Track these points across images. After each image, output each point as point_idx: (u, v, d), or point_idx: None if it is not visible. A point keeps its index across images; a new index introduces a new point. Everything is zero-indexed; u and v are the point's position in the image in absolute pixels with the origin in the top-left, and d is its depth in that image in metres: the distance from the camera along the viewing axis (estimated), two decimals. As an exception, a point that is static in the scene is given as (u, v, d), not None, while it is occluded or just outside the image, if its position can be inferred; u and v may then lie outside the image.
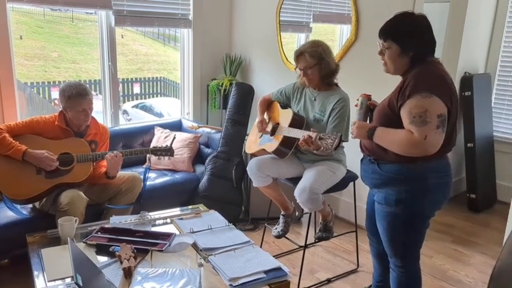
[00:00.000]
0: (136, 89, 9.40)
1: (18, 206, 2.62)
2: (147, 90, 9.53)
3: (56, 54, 11.01)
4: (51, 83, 8.42)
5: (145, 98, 9.07)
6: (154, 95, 9.53)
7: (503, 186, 4.03)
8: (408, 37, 1.78)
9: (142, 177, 2.88)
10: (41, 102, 7.09)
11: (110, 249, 2.06)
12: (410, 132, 1.72)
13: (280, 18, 3.78)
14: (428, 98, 1.70)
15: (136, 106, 8.08)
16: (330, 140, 2.07)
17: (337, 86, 2.54)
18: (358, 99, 2.06)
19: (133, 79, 9.57)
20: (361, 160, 2.08)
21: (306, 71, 2.47)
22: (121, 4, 3.49)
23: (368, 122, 2.05)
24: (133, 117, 7.78)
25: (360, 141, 2.02)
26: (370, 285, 2.48)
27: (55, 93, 8.30)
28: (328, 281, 2.71)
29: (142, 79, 9.67)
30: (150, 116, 7.43)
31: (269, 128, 2.65)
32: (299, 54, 2.48)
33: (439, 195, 1.88)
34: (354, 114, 2.11)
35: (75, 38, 11.90)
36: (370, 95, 2.05)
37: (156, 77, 9.99)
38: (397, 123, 1.78)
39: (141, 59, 11.85)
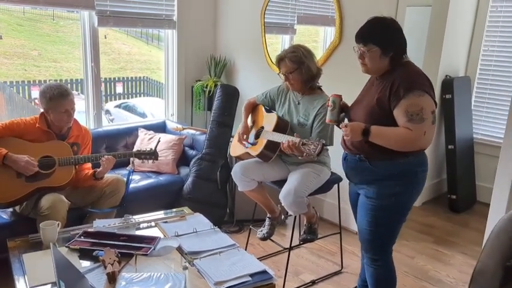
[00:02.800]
0: (119, 88, 9.29)
1: (-2, 210, 2.57)
2: (130, 89, 9.43)
3: (36, 52, 10.80)
4: (32, 82, 8.26)
5: (128, 98, 8.97)
6: (138, 95, 9.43)
7: (482, 187, 4.11)
8: (387, 39, 1.90)
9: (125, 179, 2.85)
10: (21, 101, 6.95)
11: (94, 253, 2.04)
12: (408, 129, 1.82)
13: (265, 20, 3.79)
14: (422, 96, 1.83)
15: (119, 106, 7.99)
16: (312, 146, 2.10)
17: (321, 89, 2.56)
18: (329, 99, 2.11)
19: (116, 78, 9.46)
20: (344, 158, 2.12)
21: (287, 75, 2.49)
22: (104, 4, 3.44)
23: (339, 120, 2.12)
24: (116, 117, 7.69)
25: (343, 139, 2.08)
26: (355, 287, 2.51)
27: (35, 93, 8.14)
28: (313, 282, 2.73)
29: (125, 78, 9.56)
30: (133, 116, 7.35)
31: (250, 139, 2.68)
32: (280, 60, 2.50)
33: (422, 186, 2.04)
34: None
35: (56, 36, 11.70)
36: (341, 95, 2.12)
37: (139, 77, 9.89)
38: (386, 121, 1.88)
39: (123, 58, 11.72)
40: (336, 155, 2.66)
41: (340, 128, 2.01)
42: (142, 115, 7.26)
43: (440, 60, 3.75)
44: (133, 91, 9.47)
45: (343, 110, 2.13)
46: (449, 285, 2.79)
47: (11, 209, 2.62)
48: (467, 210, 4.01)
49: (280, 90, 2.67)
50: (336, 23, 3.24)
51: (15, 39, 10.67)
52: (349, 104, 2.16)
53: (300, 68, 2.44)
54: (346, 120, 2.15)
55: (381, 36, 1.89)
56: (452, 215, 3.89)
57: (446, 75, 3.88)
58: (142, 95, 9.48)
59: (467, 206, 4.02)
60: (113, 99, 8.82)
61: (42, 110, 2.62)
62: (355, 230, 3.20)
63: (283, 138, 2.33)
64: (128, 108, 7.76)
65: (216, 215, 3.25)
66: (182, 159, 3.56)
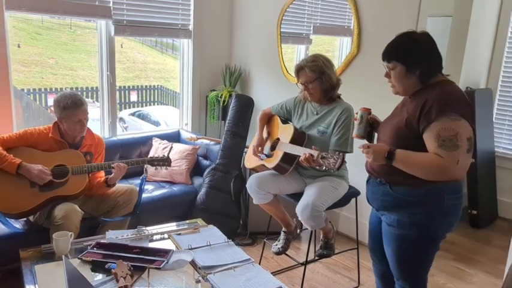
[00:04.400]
0: (134, 96, 9.36)
1: (12, 220, 2.55)
2: (144, 98, 9.50)
3: (53, 60, 10.97)
4: (48, 90, 8.36)
5: (142, 106, 9.02)
6: (152, 103, 9.49)
7: (504, 203, 3.98)
8: (411, 55, 1.74)
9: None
10: (38, 109, 7.01)
11: (106, 266, 2.00)
12: (438, 156, 1.65)
13: (281, 30, 3.75)
14: (458, 120, 1.64)
15: (133, 114, 8.03)
16: (332, 159, 2.02)
17: (340, 98, 2.50)
18: (357, 113, 2.01)
19: (131, 87, 9.54)
20: (367, 181, 2.02)
21: (307, 85, 2.43)
22: (121, 14, 3.45)
23: (366, 136, 1.99)
24: (130, 125, 7.72)
25: (366, 162, 1.94)
26: (373, 305, 2.41)
27: (52, 100, 8.18)
28: (329, 299, 2.65)
29: (140, 87, 9.64)
30: (147, 124, 7.38)
31: (266, 150, 2.62)
32: (299, 69, 2.44)
33: (454, 217, 1.82)
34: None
35: (73, 45, 11.88)
36: (370, 109, 2.00)
37: (154, 85, 9.96)
38: (414, 145, 1.72)
39: (138, 66, 11.84)
40: (354, 168, 2.59)
41: (362, 151, 1.83)
42: (156, 123, 7.28)
43: (461, 71, 3.66)
44: (148, 99, 9.54)
45: (372, 125, 2.01)
46: (472, 305, 2.68)
47: (24, 219, 2.60)
48: (489, 226, 3.88)
49: (297, 101, 2.61)
50: (354, 33, 3.19)
51: (33, 48, 10.86)
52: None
53: (320, 77, 2.38)
54: (375, 138, 2.04)
55: (405, 52, 1.74)
56: (473, 231, 3.77)
57: (467, 87, 3.79)
58: (156, 103, 9.54)
59: (488, 222, 3.89)
60: (127, 107, 8.88)
61: (55, 119, 2.61)
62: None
63: (300, 151, 2.26)
64: (142, 117, 7.79)
65: (229, 227, 3.20)
66: (196, 169, 3.53)
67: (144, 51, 12.85)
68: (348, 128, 2.38)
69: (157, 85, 9.99)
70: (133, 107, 8.94)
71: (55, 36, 11.89)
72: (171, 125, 6.44)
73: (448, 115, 1.64)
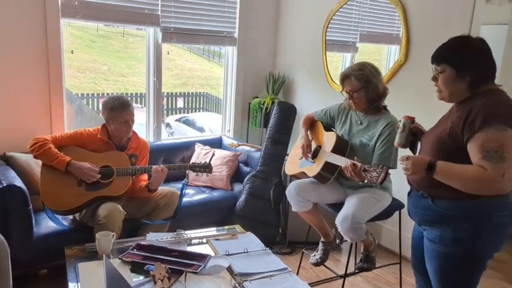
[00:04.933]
0: (180, 103, 9.58)
1: (59, 217, 2.66)
2: (190, 104, 9.70)
3: (106, 67, 11.47)
4: (100, 95, 8.73)
5: (188, 112, 9.22)
6: (197, 110, 9.68)
7: None
8: (463, 59, 1.65)
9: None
10: (90, 113, 7.33)
11: (145, 267, 2.04)
12: (482, 168, 1.56)
13: (327, 38, 3.71)
14: (505, 131, 1.55)
15: (179, 120, 8.22)
16: (375, 173, 1.95)
17: (386, 109, 2.42)
18: (400, 121, 1.94)
19: (178, 93, 9.78)
20: (409, 193, 1.94)
21: (352, 94, 2.36)
22: (168, 21, 3.54)
23: (408, 145, 1.93)
24: (175, 131, 7.90)
25: None
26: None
27: (102, 104, 8.49)
28: (368, 315, 2.56)
29: (186, 94, 9.86)
30: (192, 130, 7.52)
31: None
32: (345, 77, 2.37)
33: (502, 235, 1.71)
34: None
35: (125, 52, 12.38)
36: (414, 118, 1.93)
37: (200, 92, 10.15)
38: (457, 157, 1.64)
39: (186, 74, 12.13)
40: (398, 179, 2.50)
41: (401, 161, 1.75)
42: (201, 129, 7.40)
43: (517, 81, 3.46)
44: (194, 106, 9.73)
45: (415, 134, 1.94)
46: (524, 331, 2.49)
47: (71, 216, 2.71)
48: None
49: (341, 108, 2.55)
50: (402, 41, 3.09)
51: (88, 55, 11.41)
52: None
53: (366, 87, 2.31)
54: (419, 147, 1.95)
55: (457, 56, 1.66)
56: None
57: (523, 98, 3.57)
58: (201, 110, 9.71)
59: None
60: (173, 113, 9.10)
61: (103, 121, 2.71)
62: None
63: (342, 162, 2.21)
64: (188, 123, 7.96)
65: (268, 235, 3.17)
66: (236, 176, 3.54)
67: (192, 58, 13.17)
68: (391, 143, 2.28)
69: (203, 92, 10.18)
70: (180, 113, 9.16)
71: (108, 43, 12.45)
72: (215, 131, 6.53)
73: (494, 125, 1.55)
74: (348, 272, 2.51)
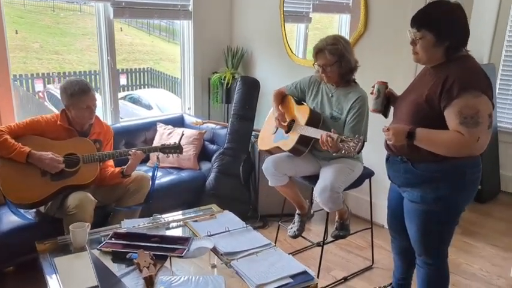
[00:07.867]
0: (123, 80, 9.17)
1: (23, 211, 2.49)
2: (134, 81, 9.32)
3: (37, 45, 10.67)
4: (35, 75, 8.15)
5: (132, 90, 8.86)
6: (142, 87, 9.33)
7: (506, 177, 4.04)
8: (444, 26, 1.70)
9: (150, 176, 2.76)
10: (26, 95, 6.84)
11: (127, 256, 1.97)
12: (459, 133, 1.66)
13: (284, 9, 3.67)
14: (480, 97, 1.65)
15: (123, 98, 7.87)
16: (352, 143, 1.99)
17: (355, 82, 2.45)
18: (373, 87, 1.99)
19: (119, 70, 9.33)
20: (387, 159, 2.02)
21: (325, 68, 2.35)
22: (119, -5, 3.33)
23: (383, 109, 2.00)
24: (121, 110, 7.58)
25: (385, 140, 1.94)
26: (390, 284, 2.44)
27: (39, 86, 8.02)
28: (345, 279, 2.67)
29: (129, 70, 9.44)
30: (139, 108, 7.23)
31: (280, 132, 2.56)
32: (318, 51, 2.35)
33: (474, 190, 1.88)
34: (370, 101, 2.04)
35: (57, 27, 11.56)
36: (387, 83, 1.99)
37: (143, 68, 9.77)
38: (435, 121, 1.73)
39: (125, 49, 11.58)
40: (368, 148, 2.57)
41: (383, 131, 1.84)
42: (148, 107, 7.15)
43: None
44: (138, 82, 9.36)
45: (388, 99, 2.00)
46: (483, 278, 2.72)
47: (34, 210, 2.54)
48: (492, 200, 3.93)
49: (312, 81, 2.55)
50: (361, 10, 3.12)
51: (16, 32, 10.51)
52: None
53: (340, 61, 2.31)
54: (392, 112, 2.03)
55: (438, 22, 1.69)
56: (476, 205, 3.80)
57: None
58: (146, 86, 9.38)
59: (491, 196, 3.94)
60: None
61: (63, 107, 2.54)
62: (382, 224, 3.13)
63: (317, 134, 2.22)
64: (133, 100, 7.65)
65: (239, 211, 3.13)
66: (203, 154, 3.48)
67: (131, 32, 12.56)
68: (362, 117, 2.34)
69: (147, 67, 9.81)
70: (123, 90, 8.77)
71: (37, 19, 11.54)
72: (163, 108, 6.34)
73: (469, 92, 1.65)
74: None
